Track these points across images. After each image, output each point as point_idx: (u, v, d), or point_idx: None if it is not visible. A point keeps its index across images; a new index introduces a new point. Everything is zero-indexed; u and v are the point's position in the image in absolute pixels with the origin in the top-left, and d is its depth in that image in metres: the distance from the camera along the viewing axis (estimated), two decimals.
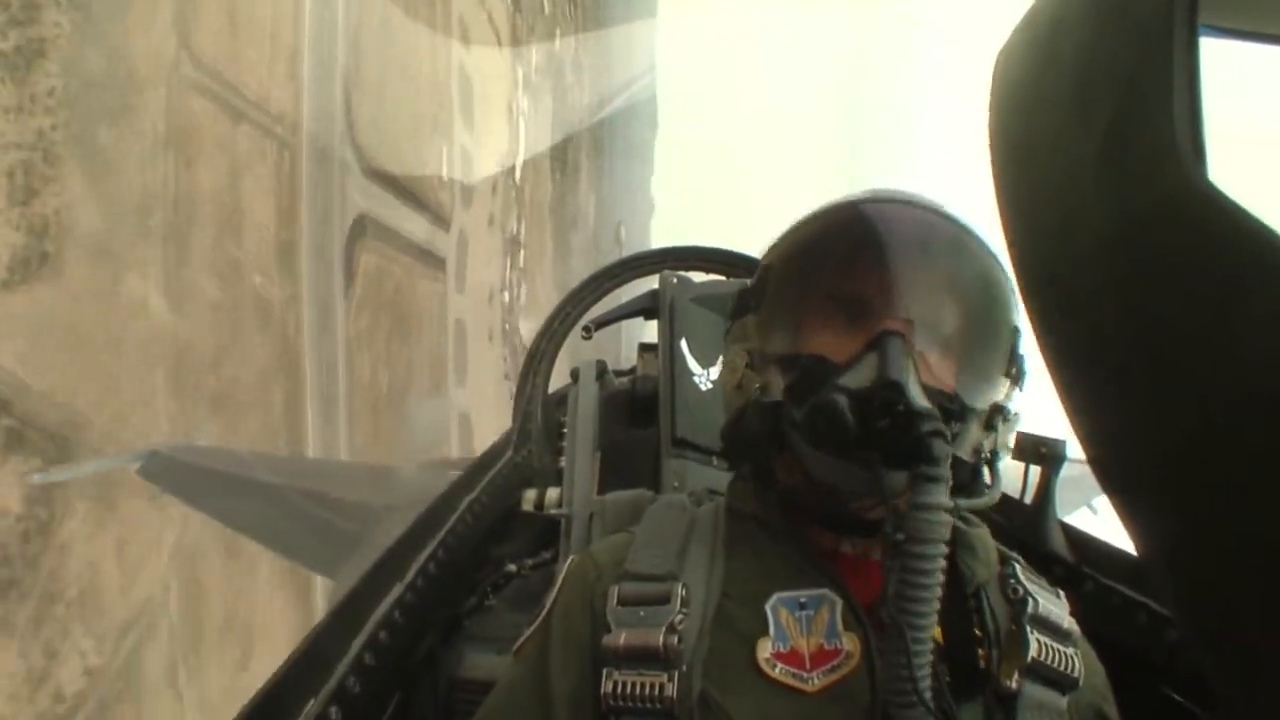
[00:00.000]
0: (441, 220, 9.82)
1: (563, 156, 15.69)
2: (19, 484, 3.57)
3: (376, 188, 7.86)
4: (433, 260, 9.58)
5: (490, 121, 11.56)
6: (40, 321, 3.74)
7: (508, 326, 12.63)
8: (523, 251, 13.36)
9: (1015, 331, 0.89)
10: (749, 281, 0.98)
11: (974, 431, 0.87)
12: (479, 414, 10.53)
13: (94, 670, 3.93)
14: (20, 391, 3.60)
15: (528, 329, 13.06)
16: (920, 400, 0.78)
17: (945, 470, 0.76)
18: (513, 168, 12.71)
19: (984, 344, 0.88)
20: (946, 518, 0.75)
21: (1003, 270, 0.88)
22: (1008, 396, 0.90)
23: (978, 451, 0.88)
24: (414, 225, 8.93)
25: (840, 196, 0.95)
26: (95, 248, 4.10)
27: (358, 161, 7.52)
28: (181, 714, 4.69)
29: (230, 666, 5.18)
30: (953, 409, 0.83)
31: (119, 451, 4.04)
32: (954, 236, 0.89)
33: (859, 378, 0.80)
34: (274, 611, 5.56)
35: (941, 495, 0.75)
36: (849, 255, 0.89)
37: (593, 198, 18.30)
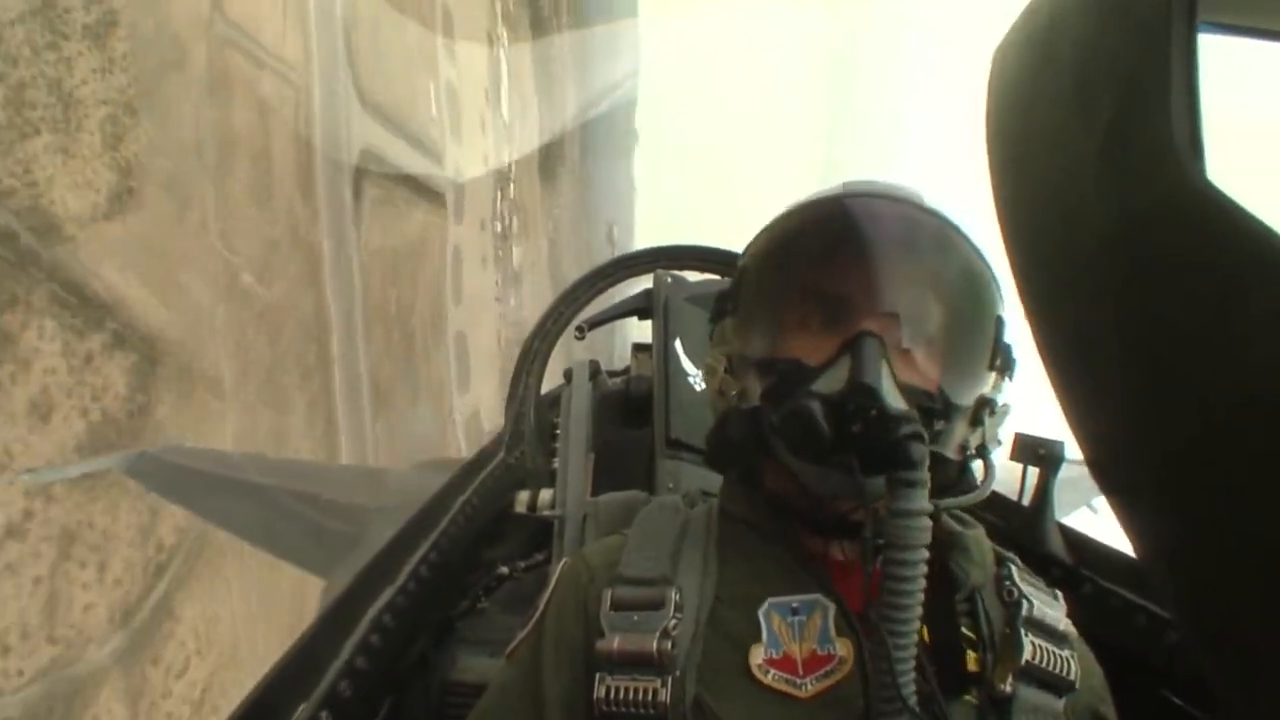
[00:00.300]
0: (434, 154, 10.71)
1: (548, 92, 16.04)
2: (123, 374, 4.52)
3: (377, 125, 8.77)
4: (429, 192, 10.52)
5: (473, 54, 12.17)
6: (131, 244, 4.65)
7: (500, 252, 13.53)
8: (513, 184, 14.01)
9: (999, 322, 0.87)
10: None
11: (960, 428, 0.85)
12: (473, 331, 11.72)
13: (182, 529, 4.89)
14: (121, 301, 4.53)
15: (520, 253, 14.25)
16: (896, 403, 0.77)
17: (923, 474, 0.75)
18: (499, 102, 13.23)
19: (966, 338, 0.87)
20: (926, 522, 0.74)
21: (983, 260, 0.86)
22: (995, 388, 0.88)
23: (964, 448, 0.87)
24: (410, 159, 9.82)
25: (813, 192, 0.94)
26: (165, 183, 5.05)
27: (360, 102, 8.45)
28: (243, 569, 5.70)
29: None
30: (934, 407, 0.82)
31: (112, 454, 4.35)
32: (929, 228, 0.87)
33: (832, 382, 0.79)
34: None
35: (920, 500, 0.74)
36: (822, 254, 0.87)
37: (577, 132, 18.73)
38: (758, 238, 0.95)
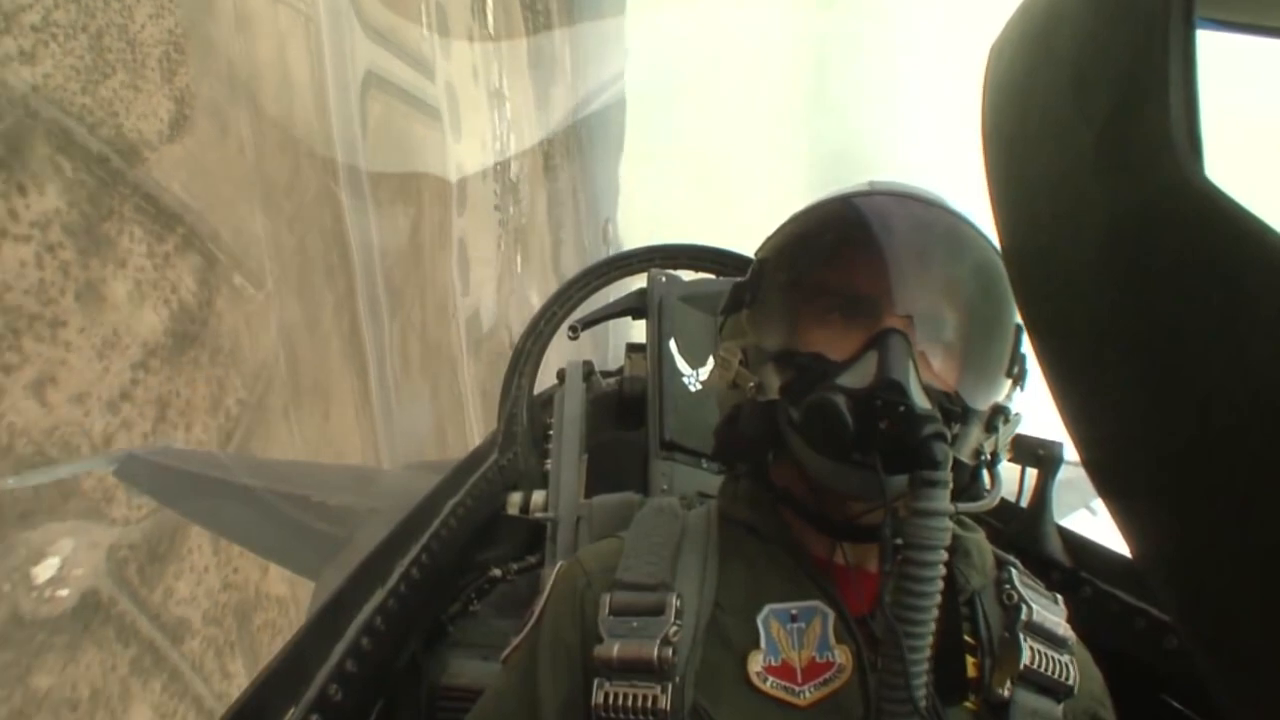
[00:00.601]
0: (426, 70, 11.65)
1: (533, 5, 16.41)
2: (191, 272, 5.55)
3: (377, 46, 9.77)
4: (426, 109, 11.60)
5: None
6: (190, 162, 5.66)
7: (498, 166, 14.64)
8: (508, 104, 14.99)
9: (1018, 330, 0.87)
10: (740, 278, 0.96)
11: (975, 433, 0.84)
12: (472, 236, 13.13)
13: (243, 401, 6.10)
14: (187, 210, 5.55)
15: (517, 168, 15.45)
16: (921, 401, 0.76)
17: (946, 474, 0.73)
18: (484, 13, 13.75)
19: (987, 343, 0.86)
20: (947, 523, 0.73)
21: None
22: (1008, 397, 0.88)
23: (978, 453, 0.86)
24: (406, 75, 10.86)
25: (839, 189, 0.92)
26: (209, 110, 6.07)
27: (361, 26, 9.47)
28: (292, 440, 6.93)
29: (318, 416, 7.69)
30: (954, 410, 0.81)
31: (98, 454, 4.49)
32: (957, 231, 0.86)
33: (858, 377, 0.78)
34: (342, 380, 8.35)
35: (942, 500, 0.73)
36: (848, 250, 0.86)
37: (568, 49, 19.12)
38: (780, 230, 0.94)
